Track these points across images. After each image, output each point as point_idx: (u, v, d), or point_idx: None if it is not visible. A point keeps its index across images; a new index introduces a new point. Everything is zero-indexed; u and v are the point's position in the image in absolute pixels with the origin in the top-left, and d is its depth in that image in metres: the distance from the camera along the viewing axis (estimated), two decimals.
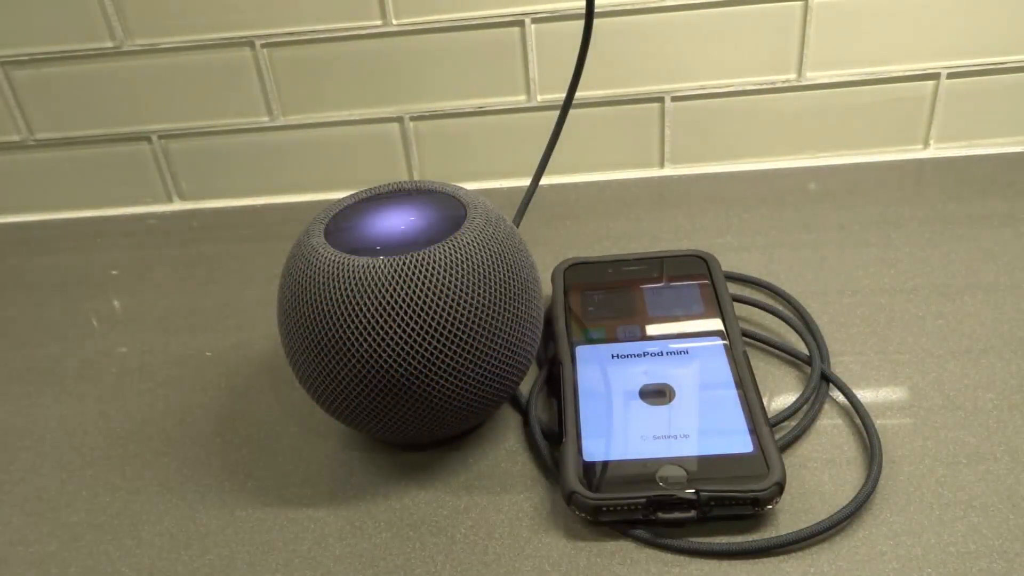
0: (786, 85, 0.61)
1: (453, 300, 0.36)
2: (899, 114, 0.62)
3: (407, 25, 0.60)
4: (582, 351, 0.43)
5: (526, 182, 0.52)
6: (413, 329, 0.35)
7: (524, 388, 0.44)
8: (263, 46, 0.61)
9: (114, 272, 0.59)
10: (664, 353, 0.42)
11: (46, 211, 0.68)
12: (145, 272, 0.59)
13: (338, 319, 0.36)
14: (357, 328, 0.36)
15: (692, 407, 0.39)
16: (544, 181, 0.52)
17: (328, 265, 0.37)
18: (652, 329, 0.44)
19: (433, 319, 0.35)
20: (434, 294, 0.35)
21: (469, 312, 0.36)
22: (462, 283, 0.36)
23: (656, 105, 0.62)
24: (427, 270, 0.36)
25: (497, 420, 0.43)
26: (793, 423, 0.40)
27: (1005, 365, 0.43)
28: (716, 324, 0.44)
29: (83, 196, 0.67)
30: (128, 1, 0.59)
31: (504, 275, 0.37)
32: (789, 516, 0.36)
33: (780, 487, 0.35)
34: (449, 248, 0.37)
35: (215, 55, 0.61)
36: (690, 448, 0.37)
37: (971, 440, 0.39)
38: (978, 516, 0.35)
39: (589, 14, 0.47)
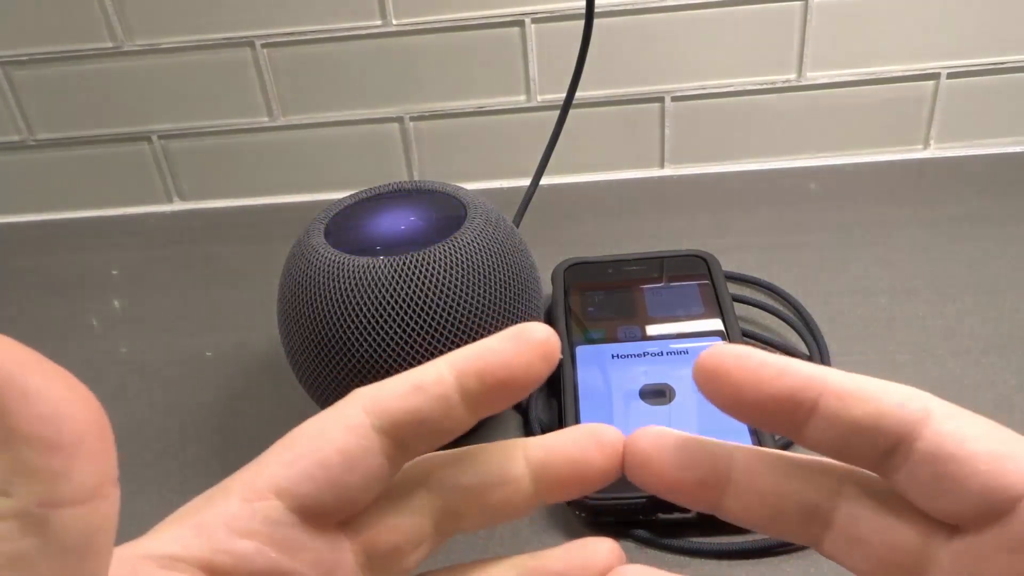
0: (786, 85, 0.61)
1: (453, 300, 0.36)
2: (899, 114, 0.62)
3: (407, 25, 0.60)
4: (582, 351, 0.43)
5: (526, 182, 0.52)
6: (413, 329, 0.35)
7: None
8: (263, 46, 0.61)
9: (114, 272, 0.59)
10: (664, 353, 0.42)
11: (46, 211, 0.68)
12: (145, 272, 0.59)
13: (338, 319, 0.36)
14: (357, 328, 0.36)
15: (692, 407, 0.39)
16: (544, 181, 0.52)
17: (328, 265, 0.37)
18: (652, 329, 0.44)
19: (433, 319, 0.35)
20: (434, 294, 0.35)
21: (469, 312, 0.36)
22: (462, 283, 0.36)
23: (656, 105, 0.62)
24: (427, 270, 0.36)
25: (497, 420, 0.43)
26: None
27: (1005, 365, 0.43)
28: (716, 324, 0.44)
29: (83, 196, 0.67)
30: (128, 1, 0.59)
31: (504, 275, 0.37)
32: None
33: None
34: (449, 248, 0.37)
35: (215, 55, 0.61)
36: None
37: None
38: None
39: (589, 14, 0.47)
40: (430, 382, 0.19)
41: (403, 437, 0.19)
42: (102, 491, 0.15)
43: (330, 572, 0.20)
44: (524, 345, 0.20)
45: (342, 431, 0.19)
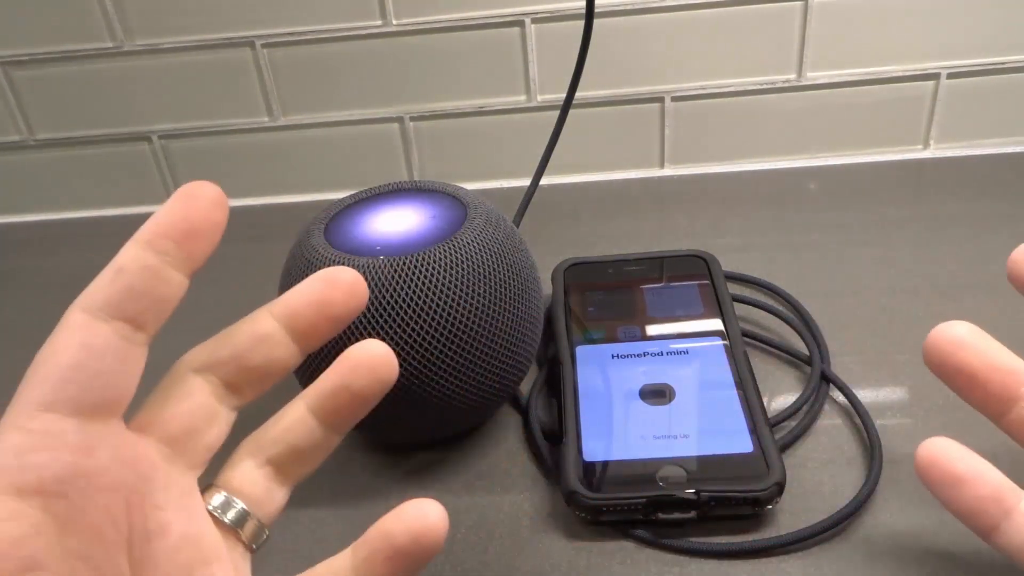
0: (786, 85, 0.61)
1: (453, 300, 0.36)
2: (899, 114, 0.62)
3: (407, 25, 0.60)
4: (582, 351, 0.43)
5: (526, 182, 0.52)
6: (413, 329, 0.35)
7: (524, 388, 0.44)
8: (263, 46, 0.61)
9: None
10: (664, 353, 0.42)
11: (46, 211, 0.68)
12: None
13: None
14: (357, 328, 0.36)
15: (692, 407, 0.39)
16: (544, 181, 0.52)
17: (328, 265, 0.37)
18: (652, 329, 0.44)
19: (433, 319, 0.35)
20: (434, 294, 0.35)
21: (469, 312, 0.36)
22: (462, 283, 0.36)
23: (656, 105, 0.62)
24: (427, 270, 0.36)
25: (497, 420, 0.43)
26: (793, 423, 0.40)
27: None
28: (716, 324, 0.44)
29: (83, 196, 0.67)
30: (128, 1, 0.59)
31: (504, 275, 0.37)
32: (789, 516, 0.36)
33: (780, 487, 0.35)
34: (449, 248, 0.37)
35: (215, 55, 0.61)
36: (690, 448, 0.37)
37: (971, 440, 0.39)
38: None
39: (589, 14, 0.47)
40: (128, 260, 0.22)
41: (126, 314, 0.22)
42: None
43: (134, 464, 0.22)
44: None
45: (72, 334, 0.21)
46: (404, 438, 0.41)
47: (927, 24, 0.58)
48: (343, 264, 0.36)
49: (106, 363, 0.21)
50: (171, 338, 0.52)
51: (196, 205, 0.23)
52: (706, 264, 0.48)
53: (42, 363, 0.21)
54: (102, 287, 0.22)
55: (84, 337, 0.21)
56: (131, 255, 0.22)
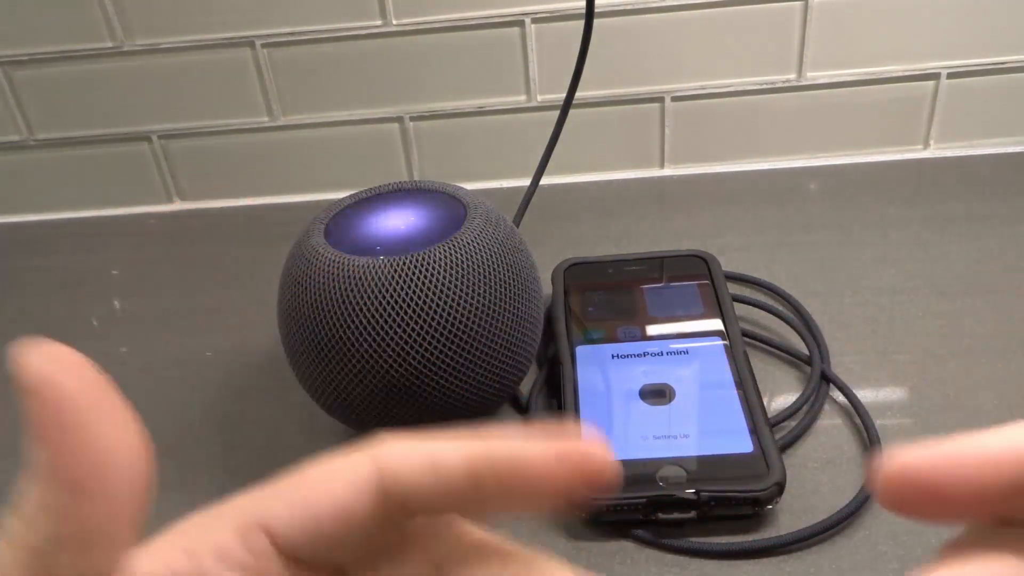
0: (786, 85, 0.61)
1: (453, 300, 0.36)
2: (899, 114, 0.62)
3: (407, 25, 0.60)
4: (582, 351, 0.43)
5: (526, 182, 0.52)
6: (413, 329, 0.35)
7: (524, 388, 0.44)
8: (263, 46, 0.61)
9: (114, 272, 0.59)
10: (664, 353, 0.42)
11: (46, 211, 0.68)
12: (145, 272, 0.59)
13: (338, 319, 0.36)
14: (357, 328, 0.35)
15: (692, 407, 0.39)
16: (544, 181, 0.52)
17: (328, 265, 0.37)
18: (652, 329, 0.44)
19: (433, 319, 0.35)
20: (434, 294, 0.35)
21: (469, 312, 0.36)
22: (462, 283, 0.36)
23: (656, 105, 0.62)
24: (427, 270, 0.36)
25: (497, 420, 0.43)
26: (793, 423, 0.40)
27: (1005, 365, 0.43)
28: (716, 324, 0.44)
29: (83, 196, 0.67)
30: (128, 1, 0.59)
31: (504, 275, 0.37)
32: (789, 516, 0.36)
33: (780, 487, 0.35)
34: (449, 248, 0.37)
35: (215, 55, 0.61)
36: (690, 448, 0.37)
37: None
38: None
39: (589, 14, 0.47)
40: (448, 467, 0.18)
41: (404, 505, 0.18)
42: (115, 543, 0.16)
43: None
44: (565, 466, 0.18)
45: (346, 486, 0.18)
46: None
47: (927, 24, 0.58)
48: (343, 264, 0.36)
49: (348, 531, 0.18)
50: (171, 338, 0.52)
51: (561, 471, 0.18)
52: (706, 264, 0.48)
53: (301, 486, 0.18)
54: (414, 462, 0.18)
55: (350, 498, 0.18)
56: (455, 464, 0.18)
